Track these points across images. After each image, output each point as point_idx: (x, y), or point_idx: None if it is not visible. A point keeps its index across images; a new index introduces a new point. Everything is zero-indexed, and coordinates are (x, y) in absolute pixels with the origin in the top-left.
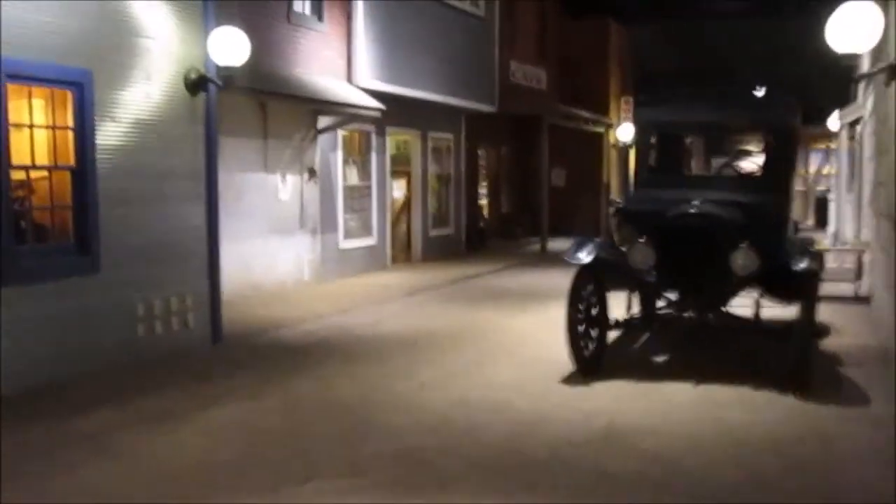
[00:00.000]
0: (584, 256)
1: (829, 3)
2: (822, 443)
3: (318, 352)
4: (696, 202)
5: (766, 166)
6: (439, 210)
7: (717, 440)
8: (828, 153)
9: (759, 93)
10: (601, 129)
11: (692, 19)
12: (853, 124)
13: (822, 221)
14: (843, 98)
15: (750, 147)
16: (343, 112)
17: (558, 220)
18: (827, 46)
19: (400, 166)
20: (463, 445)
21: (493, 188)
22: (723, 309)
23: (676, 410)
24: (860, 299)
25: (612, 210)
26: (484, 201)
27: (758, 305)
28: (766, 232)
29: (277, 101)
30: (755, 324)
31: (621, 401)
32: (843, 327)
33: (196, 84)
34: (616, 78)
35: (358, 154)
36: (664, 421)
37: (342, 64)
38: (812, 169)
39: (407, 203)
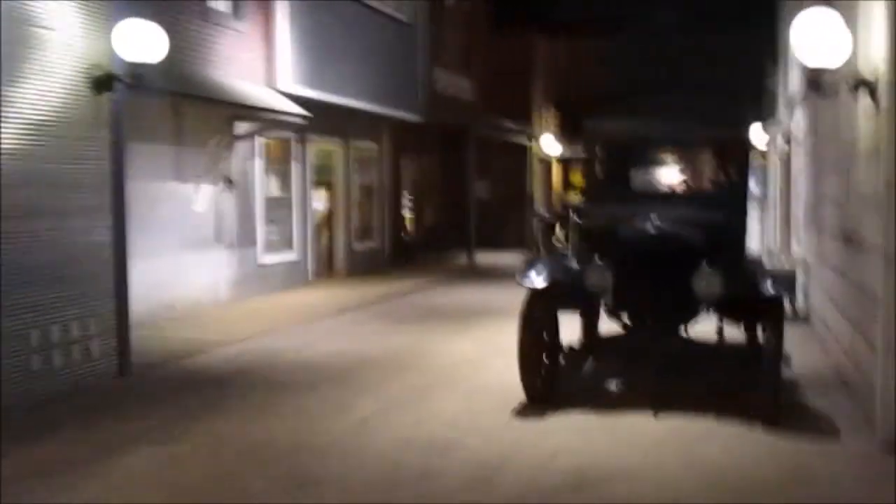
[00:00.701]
0: (539, 279)
1: (760, 21)
2: (807, 485)
3: (240, 382)
4: (654, 221)
5: (723, 182)
6: (363, 222)
7: (697, 484)
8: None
9: (712, 105)
10: (526, 142)
11: (625, 34)
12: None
13: None
14: (758, 113)
15: (687, 160)
16: (263, 118)
17: (484, 233)
18: (749, 62)
19: (322, 177)
20: (415, 497)
21: (418, 200)
22: (680, 334)
23: (645, 449)
24: (795, 318)
25: (536, 222)
26: (409, 213)
27: (721, 330)
28: (726, 252)
29: (192, 104)
30: (718, 349)
31: (583, 437)
32: (789, 349)
33: (101, 83)
34: (540, 90)
35: (278, 163)
36: (635, 462)
37: (262, 66)
38: None
39: (330, 215)
